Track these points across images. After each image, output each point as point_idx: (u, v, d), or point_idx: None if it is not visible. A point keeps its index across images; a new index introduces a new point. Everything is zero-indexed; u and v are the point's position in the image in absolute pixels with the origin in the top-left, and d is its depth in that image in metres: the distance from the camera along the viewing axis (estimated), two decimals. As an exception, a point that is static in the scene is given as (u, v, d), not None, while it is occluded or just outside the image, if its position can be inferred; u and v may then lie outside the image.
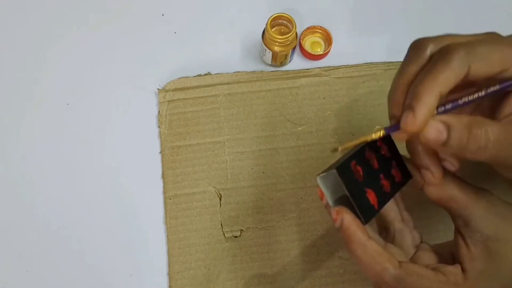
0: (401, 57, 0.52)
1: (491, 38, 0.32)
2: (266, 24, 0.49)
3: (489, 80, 0.32)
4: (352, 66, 0.52)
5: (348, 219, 0.32)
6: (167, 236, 0.47)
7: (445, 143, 0.30)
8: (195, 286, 0.46)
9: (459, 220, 0.34)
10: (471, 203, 0.33)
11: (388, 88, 0.51)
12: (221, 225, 0.47)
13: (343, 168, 0.33)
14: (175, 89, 0.51)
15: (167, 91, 0.51)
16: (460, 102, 0.32)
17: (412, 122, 0.30)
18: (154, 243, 0.47)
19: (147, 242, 0.47)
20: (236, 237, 0.47)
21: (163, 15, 0.55)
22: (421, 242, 0.37)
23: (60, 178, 0.49)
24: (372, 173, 0.34)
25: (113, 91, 0.52)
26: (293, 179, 0.48)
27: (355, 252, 0.32)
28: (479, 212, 0.33)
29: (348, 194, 0.33)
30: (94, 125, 0.51)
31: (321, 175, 0.34)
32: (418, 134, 0.31)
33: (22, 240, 0.47)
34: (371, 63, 0.52)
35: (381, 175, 0.35)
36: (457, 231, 0.34)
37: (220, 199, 0.48)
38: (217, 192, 0.48)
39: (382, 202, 0.34)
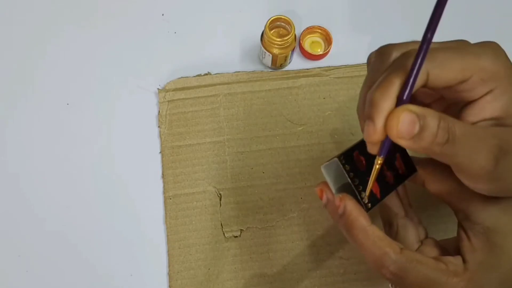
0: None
1: (456, 45, 0.31)
2: (265, 27, 0.49)
3: (449, 90, 0.31)
4: (352, 66, 0.52)
5: (350, 205, 0.33)
6: (167, 236, 0.47)
7: (417, 135, 0.28)
8: (195, 286, 0.46)
9: (460, 214, 0.34)
10: (470, 196, 0.33)
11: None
12: (221, 225, 0.47)
13: (345, 157, 0.33)
14: (175, 89, 0.51)
15: (167, 91, 0.51)
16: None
17: (374, 132, 0.29)
18: (154, 243, 0.47)
19: (147, 242, 0.47)
20: (236, 237, 0.47)
21: (163, 15, 0.55)
22: (427, 237, 0.37)
23: (60, 178, 0.49)
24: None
25: (113, 91, 0.52)
26: (293, 179, 0.48)
27: (356, 237, 0.33)
28: (479, 205, 0.33)
29: (350, 181, 0.33)
30: (94, 125, 0.51)
31: (324, 164, 0.35)
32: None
33: (22, 240, 0.47)
34: (371, 63, 0.52)
35: (384, 166, 0.35)
36: (459, 225, 0.34)
37: (220, 199, 0.48)
38: (217, 192, 0.48)
39: (385, 192, 0.35)
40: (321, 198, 0.35)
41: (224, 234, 0.47)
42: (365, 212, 0.33)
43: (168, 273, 0.46)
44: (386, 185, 0.35)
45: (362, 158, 0.34)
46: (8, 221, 0.48)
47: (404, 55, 0.30)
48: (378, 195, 0.34)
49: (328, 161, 0.34)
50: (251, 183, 0.48)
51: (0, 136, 0.50)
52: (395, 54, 0.31)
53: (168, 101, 0.50)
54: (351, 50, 0.53)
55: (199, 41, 0.54)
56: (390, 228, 0.37)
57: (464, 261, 0.32)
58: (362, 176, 0.34)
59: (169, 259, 0.46)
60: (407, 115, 0.28)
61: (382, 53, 0.32)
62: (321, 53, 0.52)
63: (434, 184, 0.35)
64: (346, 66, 0.52)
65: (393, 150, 0.36)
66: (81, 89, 0.52)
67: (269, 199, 0.48)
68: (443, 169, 0.34)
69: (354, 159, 0.34)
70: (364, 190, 0.34)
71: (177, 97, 0.51)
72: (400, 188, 0.37)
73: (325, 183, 0.35)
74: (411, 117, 0.28)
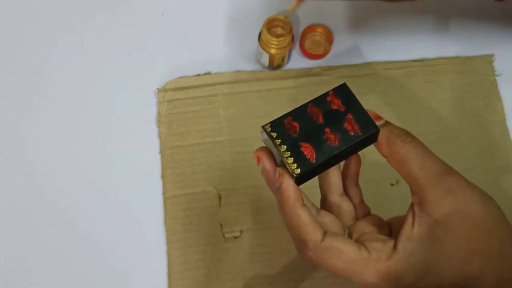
0: (401, 57, 0.52)
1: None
2: (262, 27, 0.49)
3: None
4: (352, 66, 0.52)
5: (287, 183, 0.33)
6: (167, 236, 0.47)
7: None
8: (194, 286, 0.46)
9: (415, 197, 0.33)
10: (428, 185, 0.32)
11: (388, 88, 0.51)
12: (221, 225, 0.47)
13: (272, 125, 0.34)
14: (175, 89, 0.51)
15: (166, 90, 0.51)
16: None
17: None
18: (153, 243, 0.47)
19: (147, 242, 0.47)
20: (236, 237, 0.47)
21: (163, 14, 0.55)
22: (369, 215, 0.37)
23: (59, 178, 0.49)
24: (313, 128, 0.34)
25: (112, 91, 0.52)
26: (293, 179, 0.48)
27: (285, 216, 0.33)
28: (435, 197, 0.32)
29: (275, 147, 0.33)
30: (94, 125, 0.50)
31: (262, 138, 0.35)
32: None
33: (22, 239, 0.47)
34: (371, 63, 0.52)
35: (326, 129, 0.34)
36: (411, 207, 0.33)
37: (220, 199, 0.48)
38: (217, 192, 0.48)
39: (323, 155, 0.33)
40: (258, 164, 0.35)
41: (224, 234, 0.47)
42: (300, 193, 0.33)
43: (167, 274, 0.46)
44: (326, 148, 0.33)
45: (295, 124, 0.33)
46: (8, 220, 0.48)
47: None
48: (313, 160, 0.33)
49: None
50: (251, 183, 0.48)
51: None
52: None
53: (168, 101, 0.50)
54: (351, 50, 0.53)
55: (199, 41, 0.54)
56: (323, 205, 0.37)
57: (394, 247, 0.32)
58: (294, 141, 0.33)
59: (168, 260, 0.46)
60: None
61: None
62: (321, 52, 0.52)
63: (395, 163, 0.33)
64: (346, 66, 0.52)
65: (344, 112, 0.34)
66: (80, 89, 0.52)
67: (269, 199, 0.48)
68: (408, 150, 0.33)
69: (284, 126, 0.33)
70: (294, 156, 0.33)
71: (176, 96, 0.51)
72: (353, 165, 0.37)
73: (264, 150, 0.34)
74: None
